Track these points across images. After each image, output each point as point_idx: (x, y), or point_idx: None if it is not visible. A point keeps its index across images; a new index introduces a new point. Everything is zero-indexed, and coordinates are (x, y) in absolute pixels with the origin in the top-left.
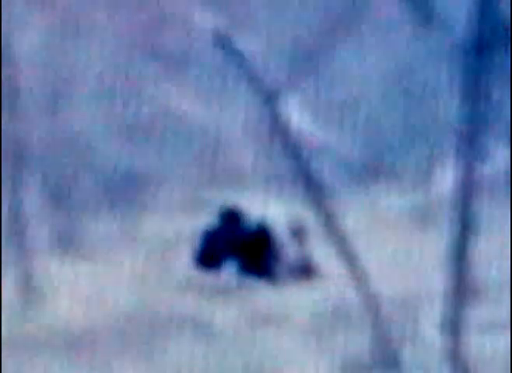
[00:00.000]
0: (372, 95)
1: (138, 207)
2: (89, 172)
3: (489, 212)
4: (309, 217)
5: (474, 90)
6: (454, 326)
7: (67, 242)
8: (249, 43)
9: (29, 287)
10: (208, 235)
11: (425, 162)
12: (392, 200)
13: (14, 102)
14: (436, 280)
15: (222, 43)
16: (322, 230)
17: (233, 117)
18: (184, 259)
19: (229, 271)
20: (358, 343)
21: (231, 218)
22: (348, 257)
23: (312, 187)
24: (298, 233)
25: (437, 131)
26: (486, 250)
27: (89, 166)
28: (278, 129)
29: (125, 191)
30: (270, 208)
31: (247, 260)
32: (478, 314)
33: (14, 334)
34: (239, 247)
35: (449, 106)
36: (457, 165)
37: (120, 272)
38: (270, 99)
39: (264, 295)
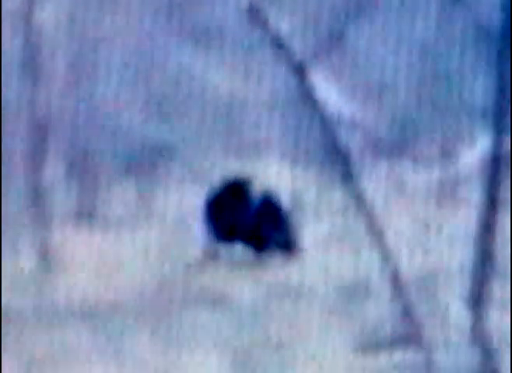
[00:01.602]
0: (398, 71)
1: (161, 177)
2: (111, 141)
3: None
4: (336, 190)
5: (500, 67)
6: (478, 302)
7: (88, 213)
8: (278, 18)
9: (47, 257)
10: (213, 207)
11: (452, 138)
12: (419, 175)
13: (37, 72)
14: (462, 255)
15: (252, 15)
16: (349, 203)
17: (260, 89)
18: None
19: (242, 244)
20: (380, 317)
21: (236, 190)
22: (375, 231)
23: (339, 161)
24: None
25: (464, 107)
26: None
27: (112, 136)
28: (306, 102)
29: (149, 161)
30: (297, 181)
31: (255, 234)
32: (503, 290)
33: (32, 304)
34: (245, 221)
35: (475, 83)
36: (484, 140)
37: (139, 243)
38: (297, 71)
39: (282, 268)
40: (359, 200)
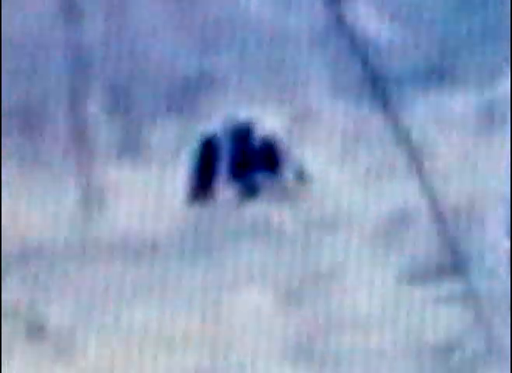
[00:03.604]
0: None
1: (199, 113)
2: (151, 76)
3: None
4: (376, 120)
5: None
6: None
7: (130, 150)
8: None
9: (90, 194)
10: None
11: (490, 64)
12: (457, 102)
13: (73, 8)
14: (500, 182)
15: None
16: (388, 134)
17: (299, 19)
18: None
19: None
20: (423, 249)
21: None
22: (415, 161)
23: (379, 89)
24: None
25: (503, 35)
26: None
27: (151, 71)
28: (344, 30)
29: (190, 96)
30: (338, 112)
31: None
32: None
33: (75, 242)
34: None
35: None
36: None
37: (181, 180)
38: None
39: (322, 199)
40: (398, 130)
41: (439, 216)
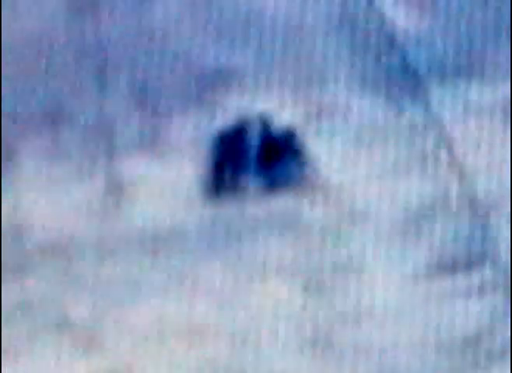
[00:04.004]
0: None
1: (217, 107)
2: (169, 72)
3: None
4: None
5: None
6: None
7: (148, 144)
8: None
9: (115, 187)
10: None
11: None
12: (485, 95)
13: (96, 2)
14: None
15: None
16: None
17: (324, 11)
18: None
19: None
20: (455, 239)
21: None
22: (447, 147)
23: (407, 82)
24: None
25: None
26: None
27: (169, 67)
28: (373, 21)
29: (208, 90)
30: (365, 106)
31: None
32: None
33: (96, 236)
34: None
35: None
36: None
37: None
38: None
39: (348, 193)
40: (428, 121)
41: (470, 206)
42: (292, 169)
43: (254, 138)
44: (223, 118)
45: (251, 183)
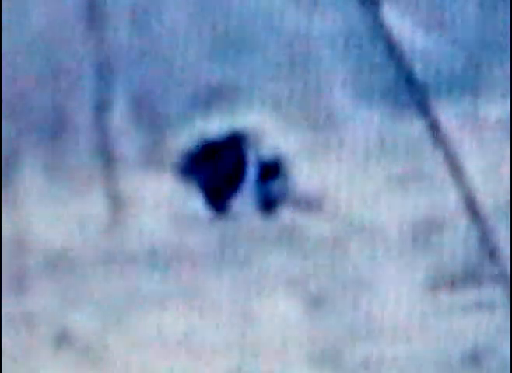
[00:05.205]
0: (472, 4)
1: (221, 121)
2: (176, 85)
3: None
4: (411, 126)
5: None
6: None
7: (154, 157)
8: None
9: (116, 202)
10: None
11: None
12: (492, 109)
13: (100, 15)
14: None
15: None
16: (424, 139)
17: (331, 26)
18: None
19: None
20: (459, 252)
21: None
22: (452, 162)
23: (414, 96)
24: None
25: None
26: None
27: (176, 79)
28: (379, 37)
29: (213, 104)
30: (373, 119)
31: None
32: None
33: (101, 251)
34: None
35: None
36: None
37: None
38: (371, 5)
39: (356, 207)
40: (434, 135)
41: (474, 218)
42: (291, 185)
43: (248, 155)
44: (224, 132)
45: (249, 199)
